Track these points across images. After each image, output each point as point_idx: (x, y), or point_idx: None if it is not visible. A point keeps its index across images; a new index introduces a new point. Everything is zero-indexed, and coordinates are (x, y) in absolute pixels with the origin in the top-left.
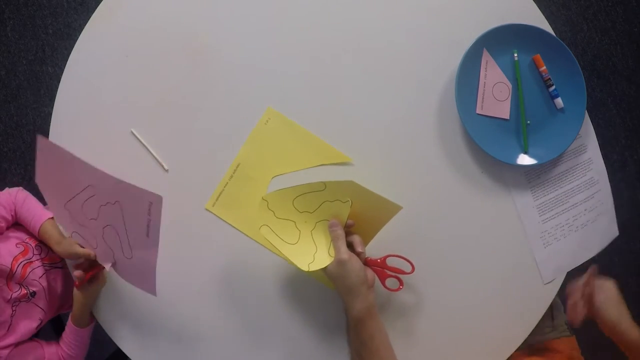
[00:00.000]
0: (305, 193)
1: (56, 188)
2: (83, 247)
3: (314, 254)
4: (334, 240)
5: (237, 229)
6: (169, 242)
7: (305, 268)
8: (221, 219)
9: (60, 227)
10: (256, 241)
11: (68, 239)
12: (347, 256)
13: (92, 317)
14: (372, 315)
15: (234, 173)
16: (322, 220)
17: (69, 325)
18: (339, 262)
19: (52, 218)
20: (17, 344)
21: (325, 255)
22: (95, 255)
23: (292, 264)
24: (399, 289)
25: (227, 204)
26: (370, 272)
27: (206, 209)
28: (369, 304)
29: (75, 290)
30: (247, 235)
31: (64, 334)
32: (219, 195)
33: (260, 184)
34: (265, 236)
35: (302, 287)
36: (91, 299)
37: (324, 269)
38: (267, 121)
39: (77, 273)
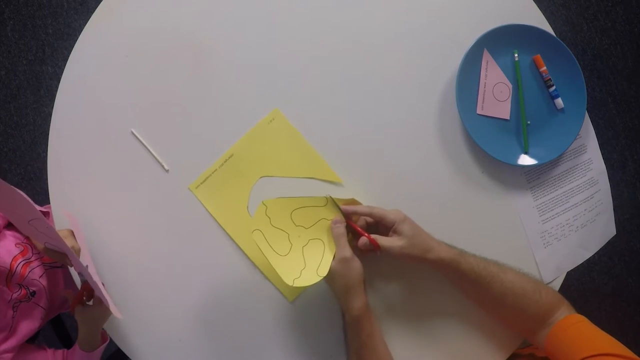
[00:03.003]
0: (305, 207)
1: (14, 211)
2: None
3: (301, 269)
4: (336, 237)
5: (213, 216)
6: (170, 242)
7: (289, 282)
8: (200, 202)
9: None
10: (229, 235)
11: (64, 230)
12: (349, 254)
13: (105, 336)
14: (369, 312)
15: (225, 162)
16: (315, 238)
17: (76, 349)
18: (343, 260)
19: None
20: (21, 346)
21: (312, 274)
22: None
23: (270, 271)
24: (376, 249)
25: (210, 190)
26: None
27: (189, 189)
28: (366, 302)
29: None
30: (221, 226)
31: (70, 356)
32: (205, 179)
33: (247, 179)
34: (257, 241)
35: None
36: (92, 325)
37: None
38: (270, 121)
39: (64, 292)
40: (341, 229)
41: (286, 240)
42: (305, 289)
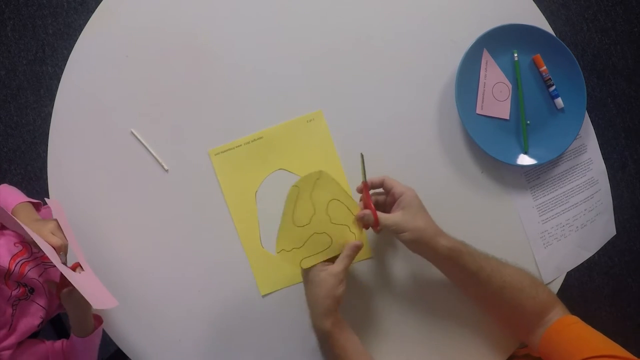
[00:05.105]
0: (344, 204)
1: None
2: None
3: (294, 248)
4: (345, 256)
5: (222, 190)
6: (169, 242)
7: (277, 250)
8: (215, 172)
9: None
10: (230, 212)
11: (51, 222)
12: (344, 276)
13: (99, 320)
14: (341, 327)
15: (252, 141)
16: (327, 234)
17: (73, 337)
18: (336, 275)
19: (29, 203)
20: (20, 343)
21: (297, 259)
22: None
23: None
24: (375, 223)
25: (228, 162)
26: None
27: (208, 154)
28: (336, 319)
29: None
30: (227, 205)
31: (69, 345)
32: (227, 151)
33: (266, 166)
34: (288, 195)
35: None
36: (79, 308)
37: (315, 272)
38: (309, 120)
39: (46, 283)
40: (353, 254)
41: (309, 217)
42: (278, 289)
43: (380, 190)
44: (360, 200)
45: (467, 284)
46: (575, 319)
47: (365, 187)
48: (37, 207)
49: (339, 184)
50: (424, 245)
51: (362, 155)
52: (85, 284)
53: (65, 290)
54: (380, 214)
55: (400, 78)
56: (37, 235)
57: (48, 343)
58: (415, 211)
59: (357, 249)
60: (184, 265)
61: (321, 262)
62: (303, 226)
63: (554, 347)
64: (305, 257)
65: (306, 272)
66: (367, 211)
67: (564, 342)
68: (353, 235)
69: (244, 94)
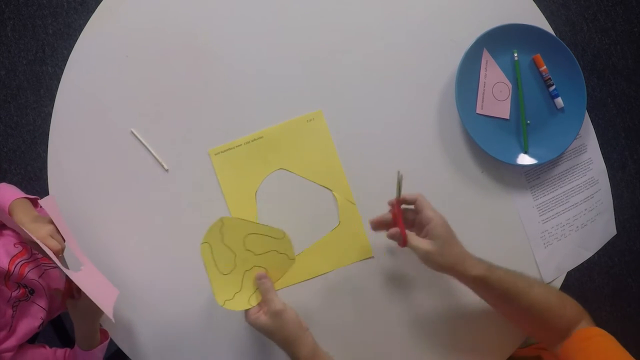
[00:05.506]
0: (261, 234)
1: None
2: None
3: (235, 293)
4: (264, 292)
5: (222, 190)
6: (169, 242)
7: (220, 302)
8: (215, 172)
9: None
10: (230, 211)
11: (48, 224)
12: (281, 306)
13: (105, 335)
14: (318, 355)
15: (252, 141)
16: (259, 266)
17: (77, 348)
18: (275, 314)
19: (26, 199)
20: (21, 345)
21: (244, 301)
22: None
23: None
24: (402, 245)
25: (228, 161)
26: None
27: (208, 153)
28: (312, 347)
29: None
30: (227, 204)
31: (71, 355)
32: (227, 150)
33: (266, 165)
34: (203, 254)
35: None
36: (86, 319)
37: (259, 325)
38: (309, 120)
39: (52, 291)
40: (268, 283)
41: (232, 261)
42: (278, 289)
43: (412, 207)
44: (390, 211)
45: (492, 302)
46: (600, 331)
47: (397, 205)
48: (34, 202)
49: (245, 220)
50: (449, 273)
51: (399, 174)
52: (88, 283)
53: (69, 299)
54: (410, 238)
55: (400, 78)
56: (36, 237)
57: (50, 350)
58: (444, 243)
59: (265, 279)
60: (184, 265)
61: (254, 309)
62: (231, 272)
63: (575, 356)
64: (251, 295)
65: (265, 329)
66: (397, 231)
67: (585, 353)
68: (285, 255)
69: (244, 94)
